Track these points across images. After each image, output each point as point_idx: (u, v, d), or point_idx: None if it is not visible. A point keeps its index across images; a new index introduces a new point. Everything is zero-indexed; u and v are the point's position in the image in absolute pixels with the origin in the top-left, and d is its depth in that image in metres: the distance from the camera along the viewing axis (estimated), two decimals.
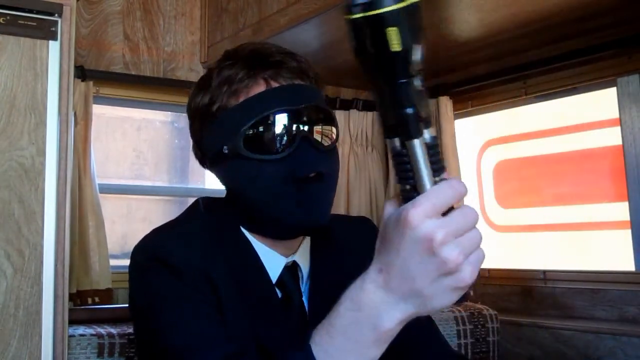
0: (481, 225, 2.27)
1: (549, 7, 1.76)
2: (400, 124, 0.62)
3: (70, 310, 1.43)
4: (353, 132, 2.63)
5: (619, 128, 2.07)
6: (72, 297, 1.89)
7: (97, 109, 2.14)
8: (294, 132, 0.91)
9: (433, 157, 0.63)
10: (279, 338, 0.91)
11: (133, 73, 2.24)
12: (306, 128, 0.92)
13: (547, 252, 2.39)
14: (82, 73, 2.03)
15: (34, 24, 1.36)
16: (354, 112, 2.63)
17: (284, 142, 0.90)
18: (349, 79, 2.60)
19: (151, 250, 0.92)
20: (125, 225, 2.41)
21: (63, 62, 1.38)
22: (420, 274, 0.62)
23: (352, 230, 1.11)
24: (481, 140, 2.62)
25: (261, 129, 0.90)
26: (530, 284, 2.27)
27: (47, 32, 1.37)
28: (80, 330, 1.50)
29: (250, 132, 0.90)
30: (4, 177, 1.29)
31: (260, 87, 0.93)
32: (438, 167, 0.63)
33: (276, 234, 0.97)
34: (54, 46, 1.37)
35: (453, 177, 0.63)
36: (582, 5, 1.75)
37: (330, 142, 0.95)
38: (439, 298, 0.63)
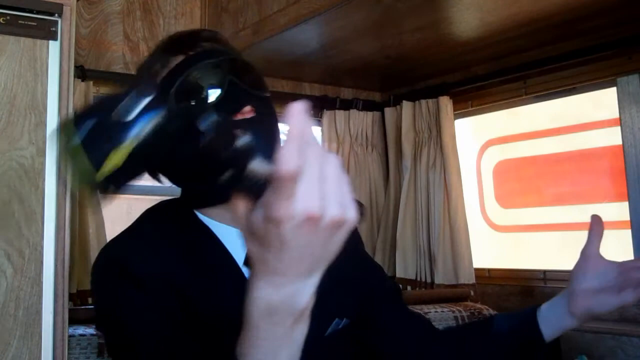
0: (481, 225, 2.25)
1: (549, 7, 1.76)
2: None
3: (70, 310, 1.43)
4: (353, 132, 2.63)
5: (619, 128, 2.07)
6: (72, 297, 1.89)
7: None
8: (221, 79, 0.90)
9: None
10: None
11: (133, 73, 2.23)
12: (234, 74, 0.91)
13: (547, 252, 2.39)
14: (82, 73, 2.03)
15: (34, 24, 1.36)
16: (354, 112, 2.63)
17: (213, 91, 0.90)
18: (349, 79, 2.60)
19: (111, 263, 0.90)
20: (125, 225, 2.40)
21: (63, 62, 1.38)
22: (299, 250, 0.58)
23: None
24: (481, 140, 2.62)
25: (189, 86, 0.89)
26: (530, 284, 2.27)
27: (47, 32, 1.37)
28: (80, 330, 1.50)
29: (180, 93, 0.89)
30: (4, 177, 1.29)
31: (179, 59, 0.93)
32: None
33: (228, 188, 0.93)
34: (54, 46, 1.37)
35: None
36: (582, 5, 1.75)
37: (260, 89, 0.94)
38: (325, 257, 0.60)
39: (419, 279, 2.46)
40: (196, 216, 0.97)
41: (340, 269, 0.93)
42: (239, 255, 0.94)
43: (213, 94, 0.90)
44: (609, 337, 1.87)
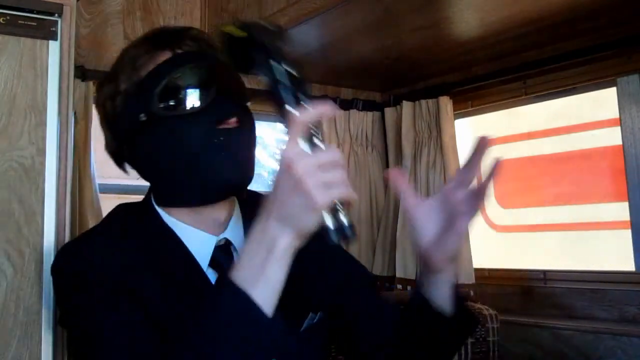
0: (481, 225, 2.25)
1: (549, 7, 1.76)
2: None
3: None
4: (353, 132, 2.63)
5: (619, 128, 2.07)
6: None
7: None
8: (208, 85, 0.91)
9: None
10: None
11: None
12: (220, 82, 0.92)
13: (547, 252, 2.39)
14: (82, 73, 2.03)
15: (34, 24, 1.35)
16: (354, 112, 2.63)
17: (199, 95, 0.90)
18: (349, 79, 2.60)
19: (69, 263, 0.90)
20: None
21: (63, 62, 1.37)
22: (283, 195, 0.72)
23: None
24: None
25: (174, 86, 0.90)
26: (530, 284, 2.27)
27: (47, 32, 1.36)
28: None
29: (165, 92, 0.90)
30: (4, 177, 1.29)
31: (166, 56, 0.93)
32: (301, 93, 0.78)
33: (204, 196, 0.93)
34: (54, 46, 1.37)
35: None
36: (581, 5, 1.75)
37: (244, 99, 0.96)
38: (301, 218, 0.72)
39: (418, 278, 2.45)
40: (161, 218, 0.96)
41: (312, 263, 0.94)
42: (202, 259, 0.93)
43: (198, 100, 0.90)
44: (609, 337, 1.87)
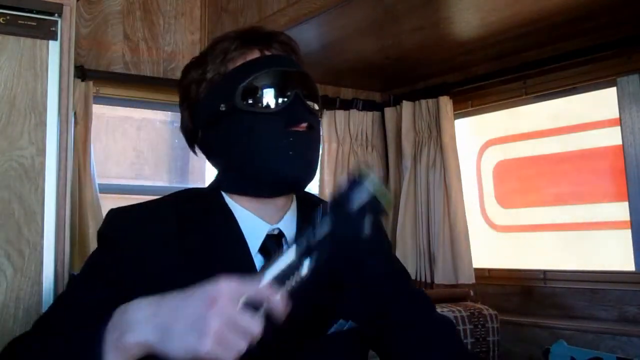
0: (481, 225, 2.25)
1: (549, 7, 1.76)
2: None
3: None
4: (353, 132, 2.63)
5: (619, 128, 2.07)
6: None
7: (97, 109, 2.14)
8: (289, 90, 0.98)
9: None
10: None
11: (133, 73, 2.24)
12: (299, 88, 0.99)
13: (547, 252, 2.39)
14: (82, 73, 2.03)
15: (34, 24, 1.35)
16: (354, 112, 2.63)
17: (279, 97, 0.97)
18: (348, 79, 2.60)
19: (104, 227, 0.97)
20: None
21: (63, 62, 1.38)
22: (186, 304, 0.72)
23: None
24: (481, 140, 2.62)
25: (258, 85, 0.97)
26: (530, 284, 2.27)
27: (47, 32, 1.37)
28: None
29: (248, 88, 0.97)
30: (4, 177, 1.29)
31: (255, 55, 1.01)
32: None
33: (266, 188, 1.00)
34: (53, 46, 1.37)
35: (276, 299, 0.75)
36: (582, 5, 1.75)
37: (317, 109, 1.03)
38: (179, 341, 0.71)
39: (418, 279, 2.45)
40: (224, 200, 1.02)
41: (353, 278, 0.96)
42: (253, 244, 0.98)
43: (277, 102, 0.97)
44: (609, 337, 1.87)
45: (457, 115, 2.50)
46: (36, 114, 1.34)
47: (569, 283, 2.16)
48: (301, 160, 0.98)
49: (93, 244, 2.00)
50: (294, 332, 0.90)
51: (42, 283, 1.30)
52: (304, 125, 0.98)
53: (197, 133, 1.05)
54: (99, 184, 2.06)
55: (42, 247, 1.31)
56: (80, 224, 1.98)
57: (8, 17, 1.33)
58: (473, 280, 2.32)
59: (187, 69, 1.07)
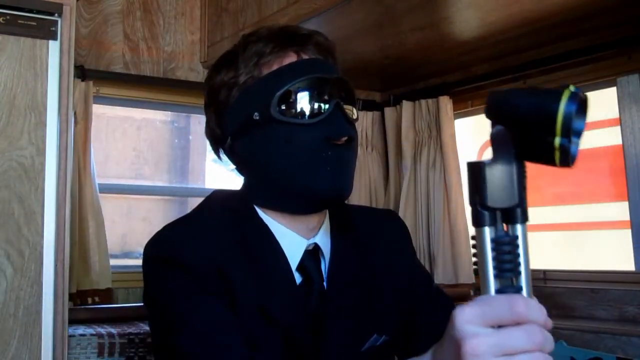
0: None
1: (549, 7, 1.76)
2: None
3: (70, 310, 1.43)
4: None
5: (619, 128, 2.07)
6: (72, 297, 1.89)
7: (97, 109, 2.14)
8: (328, 99, 0.91)
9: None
10: (298, 323, 0.90)
11: (133, 73, 2.24)
12: (339, 97, 0.92)
13: (547, 252, 2.39)
14: (82, 73, 2.03)
15: (34, 23, 1.36)
16: None
17: (318, 107, 0.90)
18: (349, 79, 2.60)
19: (163, 248, 0.91)
20: (125, 225, 2.41)
21: (63, 62, 1.38)
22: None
23: (376, 221, 1.09)
24: (481, 140, 2.62)
25: (296, 94, 0.90)
26: None
27: (47, 32, 1.37)
28: (80, 330, 1.50)
29: (285, 97, 0.90)
30: (4, 177, 1.29)
31: (291, 58, 0.94)
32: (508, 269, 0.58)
33: (302, 205, 0.94)
34: (53, 46, 1.37)
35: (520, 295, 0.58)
36: (582, 5, 1.75)
37: (354, 117, 0.96)
38: None
39: None
40: (258, 215, 0.96)
41: (387, 290, 0.95)
42: (293, 259, 0.94)
43: (316, 112, 0.90)
44: (609, 337, 1.87)
45: (457, 115, 2.50)
46: (36, 114, 1.34)
47: (569, 283, 2.16)
48: (340, 177, 0.92)
49: (93, 244, 2.00)
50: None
51: (42, 283, 1.30)
52: (344, 139, 0.91)
53: (225, 140, 0.98)
54: (99, 184, 2.06)
55: (42, 247, 1.31)
56: (80, 224, 1.98)
57: (8, 17, 1.33)
58: (473, 280, 2.32)
59: (217, 69, 0.99)
